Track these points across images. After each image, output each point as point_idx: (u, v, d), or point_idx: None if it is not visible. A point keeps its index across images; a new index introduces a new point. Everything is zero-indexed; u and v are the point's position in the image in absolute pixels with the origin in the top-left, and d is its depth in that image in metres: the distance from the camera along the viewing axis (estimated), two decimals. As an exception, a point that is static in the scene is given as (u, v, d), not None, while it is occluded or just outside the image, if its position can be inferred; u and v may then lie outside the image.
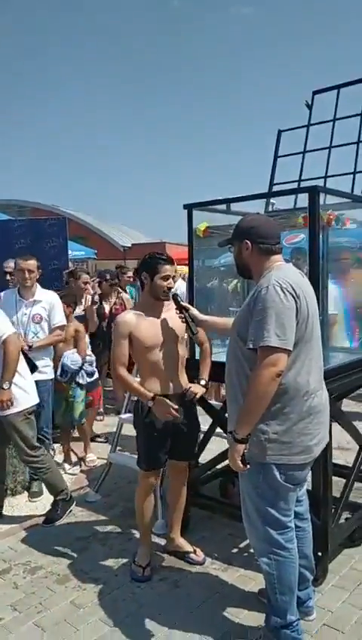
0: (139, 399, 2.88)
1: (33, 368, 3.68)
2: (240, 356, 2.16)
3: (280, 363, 1.99)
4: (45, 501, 3.75)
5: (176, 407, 2.69)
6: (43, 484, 3.80)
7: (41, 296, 4.03)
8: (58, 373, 4.22)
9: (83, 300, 5.36)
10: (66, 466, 4.44)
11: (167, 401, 2.70)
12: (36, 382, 3.67)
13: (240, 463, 2.06)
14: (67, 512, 3.56)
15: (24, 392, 3.41)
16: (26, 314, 3.94)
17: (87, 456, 4.58)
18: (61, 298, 4.24)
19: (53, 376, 4.11)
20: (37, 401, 3.53)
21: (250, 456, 2.09)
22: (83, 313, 5.09)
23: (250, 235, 2.20)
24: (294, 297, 2.04)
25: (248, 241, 2.20)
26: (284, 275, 2.09)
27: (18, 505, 3.81)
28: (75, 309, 4.60)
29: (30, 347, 3.80)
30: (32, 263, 3.92)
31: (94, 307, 5.18)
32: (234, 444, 2.06)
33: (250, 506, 2.22)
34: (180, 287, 5.42)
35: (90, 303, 5.28)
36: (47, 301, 4.03)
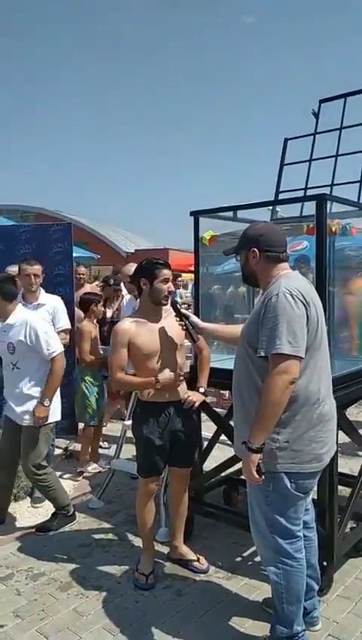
0: (137, 405, 2.87)
1: None
2: (250, 364, 2.15)
3: (293, 370, 1.98)
4: (48, 507, 3.73)
5: (173, 374, 2.76)
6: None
7: (45, 300, 4.04)
8: None
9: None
10: (92, 465, 4.47)
11: (165, 373, 2.74)
12: None
13: (255, 473, 2.03)
14: (63, 526, 3.50)
15: (53, 408, 3.42)
16: None
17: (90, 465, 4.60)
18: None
19: None
20: (59, 418, 3.56)
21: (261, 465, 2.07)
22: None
23: (258, 243, 2.20)
24: (304, 305, 2.04)
25: (256, 249, 2.20)
26: (293, 282, 2.10)
27: (20, 511, 3.80)
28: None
29: None
30: (38, 268, 3.94)
31: None
32: (249, 454, 2.04)
33: (258, 514, 2.20)
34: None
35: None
36: (50, 305, 4.04)
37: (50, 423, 3.44)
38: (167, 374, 2.74)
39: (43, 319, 3.41)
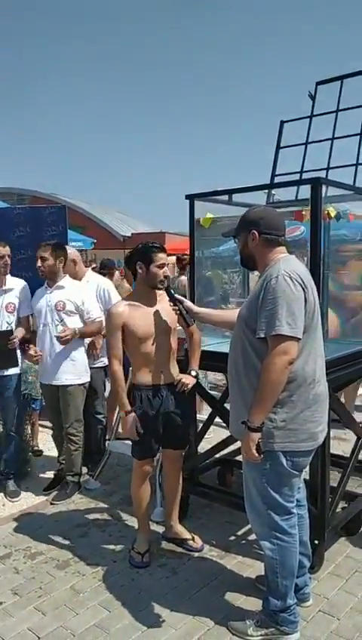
0: (134, 389, 2.90)
1: (16, 363, 3.70)
2: (248, 346, 2.18)
3: (292, 351, 2.03)
4: (38, 493, 3.79)
5: (142, 431, 2.77)
6: (19, 483, 3.89)
7: (13, 284, 3.79)
8: None
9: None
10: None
11: (136, 422, 2.77)
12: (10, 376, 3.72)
13: (255, 452, 2.08)
14: (75, 493, 3.75)
15: (87, 369, 3.77)
16: None
17: None
18: None
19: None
20: (89, 380, 3.82)
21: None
22: None
23: (258, 225, 2.22)
24: (302, 287, 2.08)
25: (256, 232, 2.22)
26: (291, 266, 2.13)
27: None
28: None
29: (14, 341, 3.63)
30: (8, 250, 3.71)
31: None
32: (249, 433, 2.09)
33: (254, 491, 2.25)
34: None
35: None
36: (18, 289, 3.80)
37: (84, 383, 3.74)
38: (131, 427, 2.76)
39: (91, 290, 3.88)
